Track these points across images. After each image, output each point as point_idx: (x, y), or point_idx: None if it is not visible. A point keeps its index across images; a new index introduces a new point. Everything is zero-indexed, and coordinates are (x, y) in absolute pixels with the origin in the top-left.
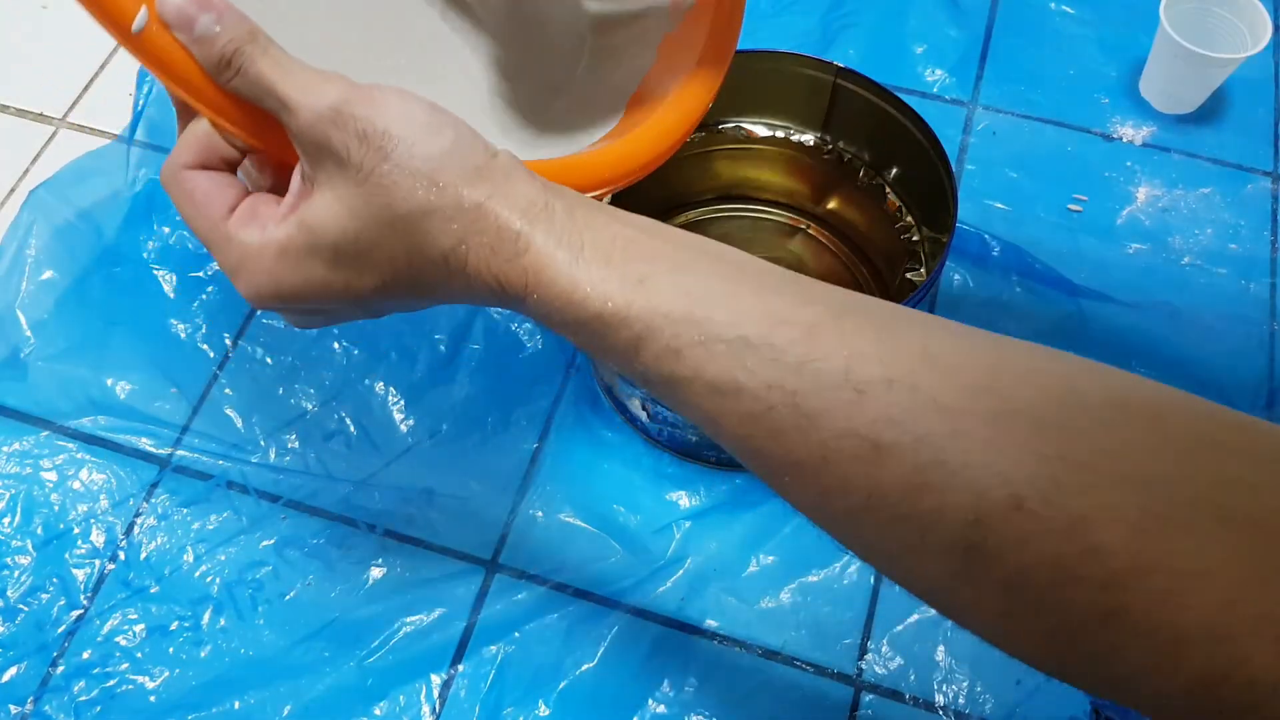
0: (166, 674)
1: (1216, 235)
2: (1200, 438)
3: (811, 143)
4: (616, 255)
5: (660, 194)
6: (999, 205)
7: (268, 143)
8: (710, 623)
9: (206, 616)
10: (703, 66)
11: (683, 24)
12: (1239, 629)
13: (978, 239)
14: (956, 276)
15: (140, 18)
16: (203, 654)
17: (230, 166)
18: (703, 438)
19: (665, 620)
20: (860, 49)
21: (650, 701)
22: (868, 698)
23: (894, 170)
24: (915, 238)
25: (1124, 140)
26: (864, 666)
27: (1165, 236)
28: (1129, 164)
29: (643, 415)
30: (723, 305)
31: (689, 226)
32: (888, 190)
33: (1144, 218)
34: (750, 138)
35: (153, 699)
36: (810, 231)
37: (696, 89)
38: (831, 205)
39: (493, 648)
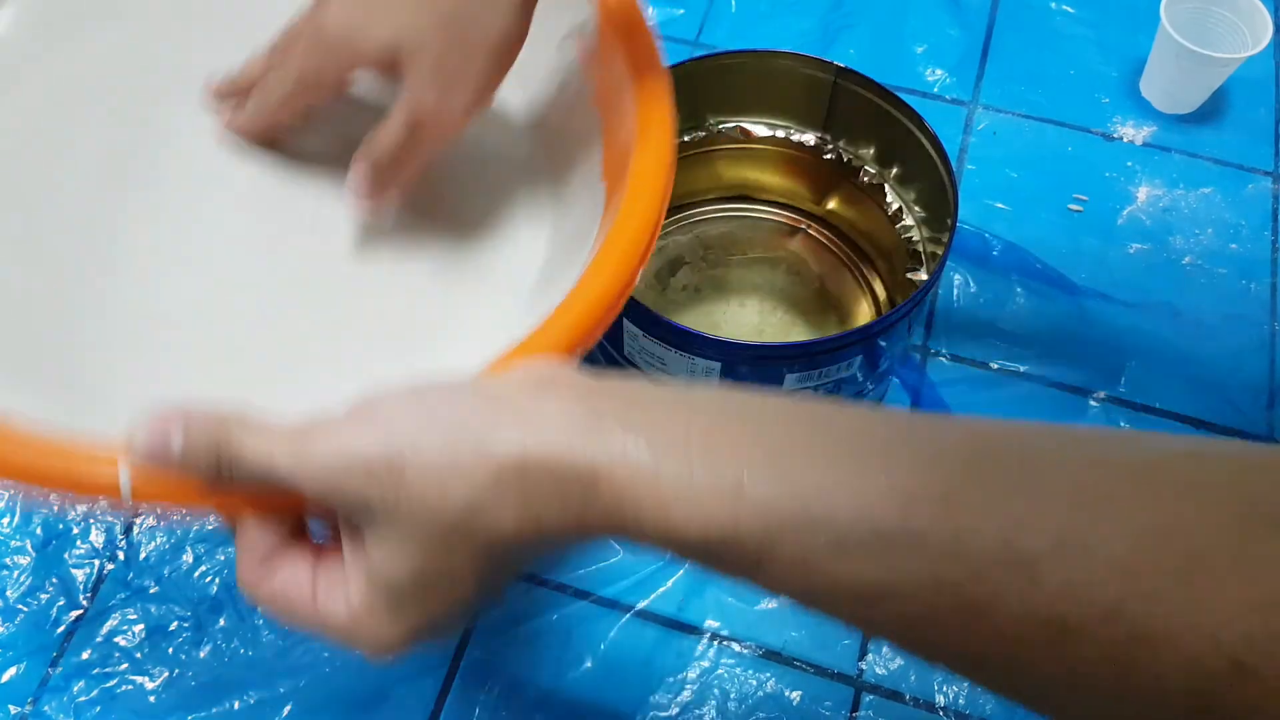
0: (166, 674)
1: (1217, 235)
2: None
3: (811, 143)
4: (698, 461)
5: None
6: (999, 205)
7: (305, 507)
8: (710, 623)
9: (206, 616)
10: (643, 91)
11: (601, 69)
12: None
13: (978, 239)
14: (957, 277)
15: (124, 480)
16: (202, 654)
17: (291, 535)
18: None
19: (665, 620)
20: (860, 49)
21: (650, 702)
22: (868, 698)
23: (894, 170)
24: (915, 238)
25: (1125, 140)
26: (864, 667)
27: (1166, 236)
28: (1129, 164)
29: None
30: (840, 494)
31: (689, 227)
32: (888, 190)
33: (1145, 217)
34: (750, 138)
35: (152, 699)
36: (810, 231)
37: (650, 144)
38: (832, 205)
39: (493, 648)
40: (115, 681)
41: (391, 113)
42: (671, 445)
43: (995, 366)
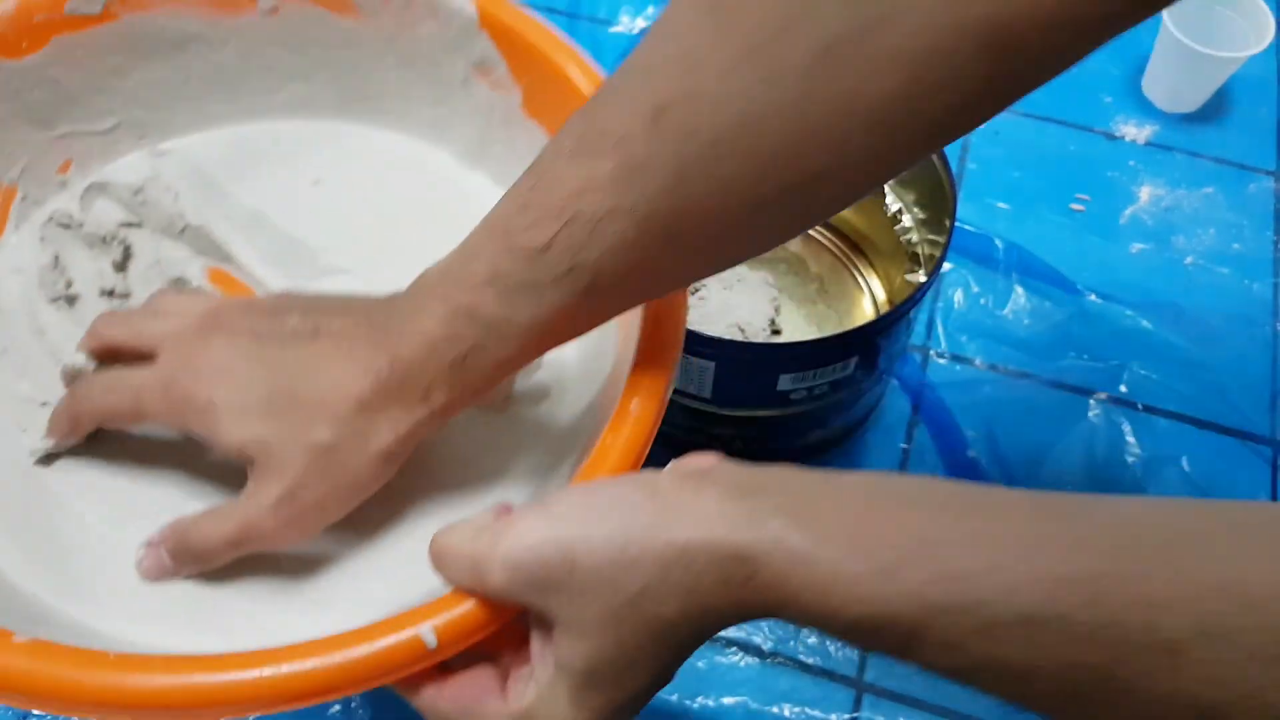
0: None
1: (1219, 235)
2: None
3: None
4: (851, 548)
5: None
6: (1001, 205)
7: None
8: None
9: None
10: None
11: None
12: None
13: (980, 239)
14: (958, 276)
15: (428, 634)
16: None
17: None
18: (697, 437)
19: None
20: None
21: (650, 702)
22: (869, 699)
23: None
24: (915, 239)
25: (1127, 139)
26: (865, 667)
27: (1168, 236)
28: (1132, 163)
29: None
30: (987, 580)
31: None
32: (887, 191)
33: (1147, 217)
34: None
35: None
36: (810, 231)
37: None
38: None
39: None
40: None
41: (224, 509)
42: (825, 533)
43: (996, 366)
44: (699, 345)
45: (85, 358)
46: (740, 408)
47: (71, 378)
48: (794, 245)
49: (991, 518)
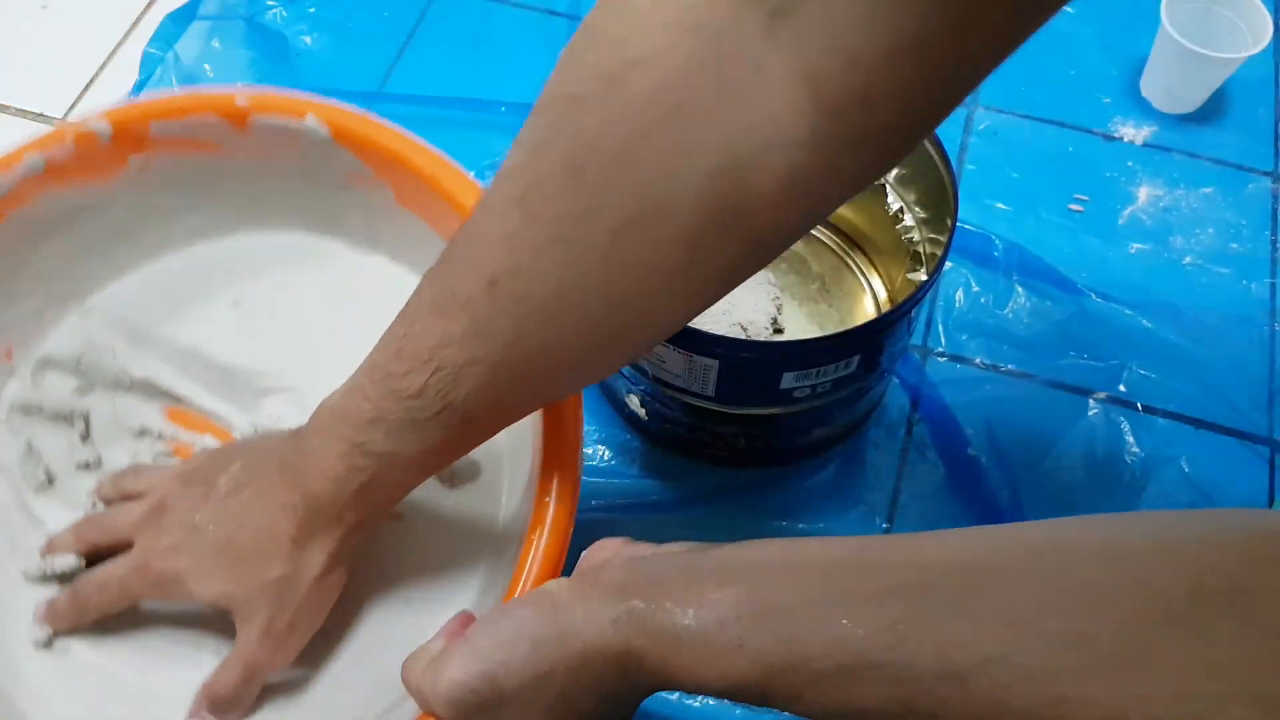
0: None
1: (1218, 235)
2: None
3: None
4: (706, 628)
5: None
6: (1000, 205)
7: None
8: None
9: None
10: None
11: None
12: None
13: (979, 239)
14: (958, 277)
15: None
16: None
17: None
18: (701, 435)
19: None
20: None
21: (649, 703)
22: None
23: (895, 170)
24: (916, 238)
25: (1125, 140)
26: None
27: (1166, 236)
28: (1130, 164)
29: (641, 412)
30: (812, 639)
31: None
32: (888, 190)
33: (1145, 217)
34: None
35: None
36: (812, 230)
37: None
38: None
39: None
40: None
41: (229, 659)
42: (689, 622)
43: (995, 366)
44: (702, 344)
45: (75, 559)
46: (744, 406)
47: (66, 579)
48: (796, 244)
49: (820, 579)
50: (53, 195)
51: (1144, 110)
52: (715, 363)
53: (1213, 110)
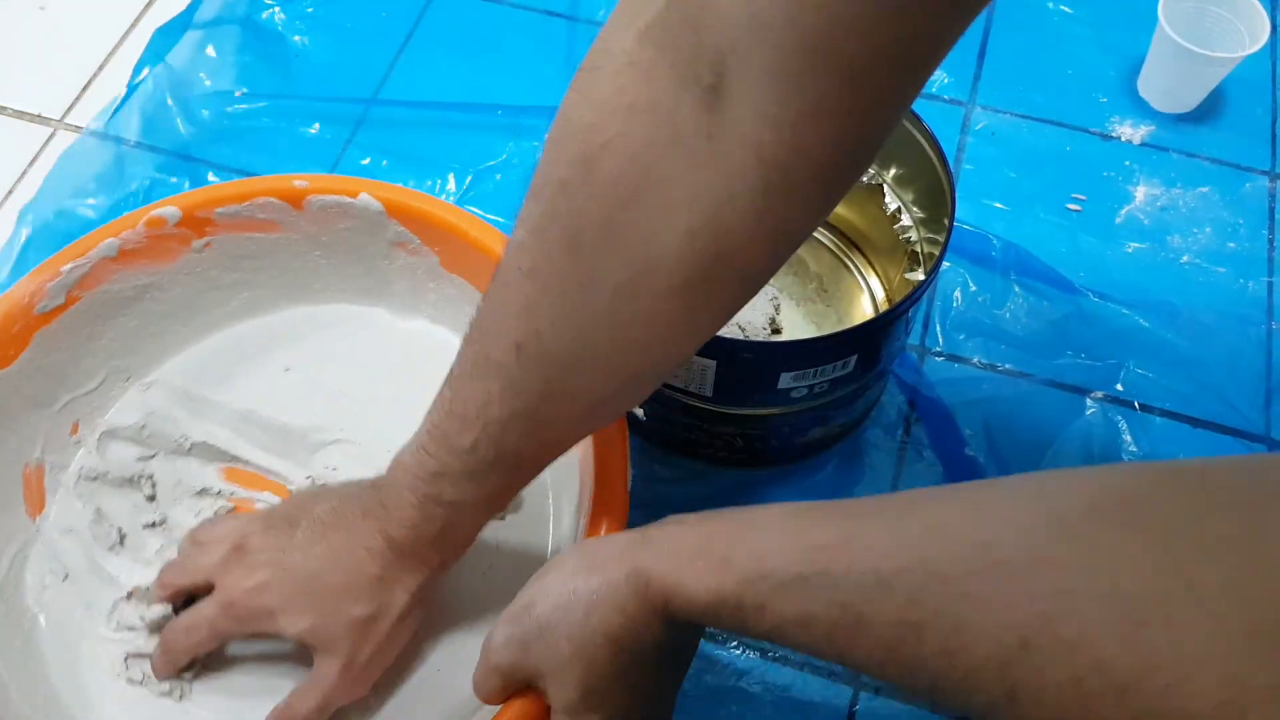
0: None
1: (1215, 234)
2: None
3: None
4: (702, 553)
5: None
6: (998, 205)
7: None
8: None
9: None
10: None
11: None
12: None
13: (977, 239)
14: (956, 276)
15: None
16: None
17: None
18: (699, 435)
19: None
20: None
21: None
22: (865, 696)
23: (893, 170)
24: (914, 237)
25: (1122, 139)
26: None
27: (1164, 235)
28: (1127, 163)
29: (639, 412)
30: (779, 554)
31: None
32: (886, 190)
33: (1143, 217)
34: None
35: None
36: None
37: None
38: None
39: None
40: None
41: (305, 688)
42: (688, 548)
43: (993, 366)
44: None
45: (163, 607)
46: (741, 406)
47: (157, 627)
48: None
49: (793, 516)
50: (123, 278)
51: (1141, 110)
52: (713, 363)
53: (1210, 110)
